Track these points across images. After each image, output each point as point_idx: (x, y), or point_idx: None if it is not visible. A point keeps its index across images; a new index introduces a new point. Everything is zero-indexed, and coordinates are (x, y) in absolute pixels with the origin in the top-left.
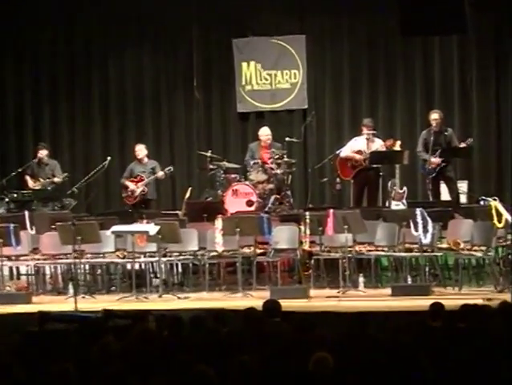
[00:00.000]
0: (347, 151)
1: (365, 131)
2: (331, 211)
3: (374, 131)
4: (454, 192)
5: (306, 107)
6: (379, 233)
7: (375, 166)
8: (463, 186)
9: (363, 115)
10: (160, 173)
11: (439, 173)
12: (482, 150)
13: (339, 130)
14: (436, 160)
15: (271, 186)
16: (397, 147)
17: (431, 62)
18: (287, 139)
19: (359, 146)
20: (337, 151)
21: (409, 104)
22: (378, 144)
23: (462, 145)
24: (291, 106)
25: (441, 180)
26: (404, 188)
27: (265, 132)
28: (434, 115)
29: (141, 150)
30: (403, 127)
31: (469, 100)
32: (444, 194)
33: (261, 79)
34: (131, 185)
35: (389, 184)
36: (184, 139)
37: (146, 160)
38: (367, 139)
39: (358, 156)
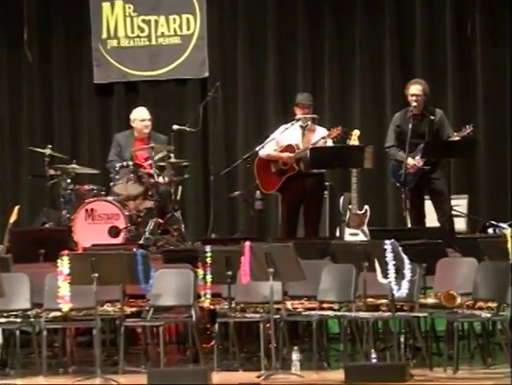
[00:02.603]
0: (270, 147)
1: (300, 114)
2: (247, 245)
3: (314, 116)
4: (446, 213)
5: (206, 75)
6: (326, 280)
7: (316, 171)
8: (461, 204)
9: (298, 89)
10: None
11: (421, 183)
12: (490, 145)
13: (260, 113)
14: (416, 160)
15: (150, 204)
16: (354, 141)
17: (408, 3)
18: (176, 127)
19: (289, 138)
20: (256, 148)
21: (374, 74)
22: (320, 135)
23: (458, 137)
24: (183, 73)
25: (425, 193)
26: (366, 208)
27: (140, 116)
28: (414, 89)
29: None
30: (364, 110)
31: (468, 66)
32: (431, 217)
33: (133, 30)
34: None
35: (341, 200)
36: (8, 127)
37: None
38: (303, 127)
39: (287, 155)
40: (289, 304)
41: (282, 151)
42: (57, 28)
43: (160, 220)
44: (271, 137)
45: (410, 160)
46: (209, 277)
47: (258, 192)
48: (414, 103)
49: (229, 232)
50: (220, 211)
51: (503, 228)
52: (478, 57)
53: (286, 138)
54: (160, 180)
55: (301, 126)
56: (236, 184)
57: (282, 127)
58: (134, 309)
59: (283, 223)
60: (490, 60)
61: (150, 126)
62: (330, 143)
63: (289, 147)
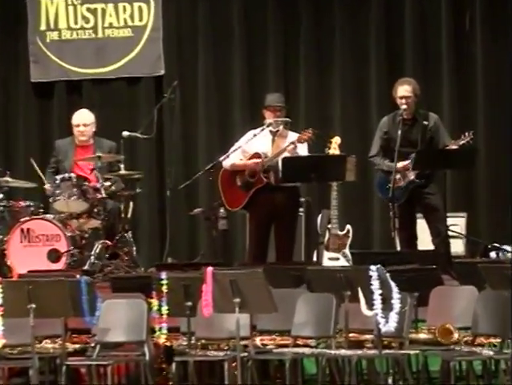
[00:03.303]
0: (235, 157)
1: (270, 118)
2: (210, 271)
3: (286, 119)
4: (441, 233)
5: (162, 73)
6: (301, 312)
7: (289, 185)
8: (458, 223)
9: (269, 89)
10: None
11: (413, 198)
12: (492, 155)
13: (224, 117)
14: (405, 164)
15: (96, 223)
16: (334, 150)
17: None
18: (126, 133)
19: (258, 146)
20: (220, 158)
21: (356, 73)
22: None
23: (455, 146)
24: (134, 71)
25: (417, 210)
26: (348, 228)
27: (74, 121)
28: (402, 90)
29: None
30: (345, 114)
31: (467, 64)
32: (424, 238)
33: (76, 21)
34: None
35: (319, 219)
36: None
37: None
38: (274, 132)
39: (253, 162)
40: (258, 340)
41: (248, 160)
42: None
43: (108, 243)
44: (237, 145)
45: (399, 164)
46: (164, 309)
47: (222, 209)
48: (404, 106)
49: (188, 256)
50: (178, 231)
51: (508, 251)
52: (478, 54)
53: (255, 146)
54: (106, 185)
55: (271, 131)
56: (196, 199)
57: (250, 133)
58: (77, 345)
59: (251, 245)
60: (492, 57)
61: (88, 132)
62: (303, 149)
63: (256, 157)
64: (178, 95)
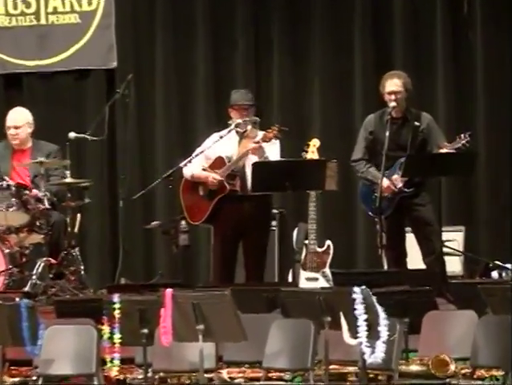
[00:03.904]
0: (197, 163)
1: (236, 117)
2: (169, 293)
3: (254, 118)
4: (435, 250)
5: (114, 65)
6: (275, 340)
7: (259, 194)
8: (455, 238)
9: (237, 86)
10: None
11: (402, 210)
12: (493, 159)
13: (186, 116)
14: (393, 180)
15: (38, 238)
16: (312, 154)
17: None
18: (73, 135)
19: (221, 150)
20: (181, 164)
21: (338, 66)
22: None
23: (451, 149)
24: (82, 63)
25: (407, 224)
26: (328, 244)
27: (15, 121)
28: (391, 84)
29: None
30: (325, 113)
31: (465, 55)
32: (414, 255)
33: (15, 6)
34: None
35: (295, 233)
36: None
37: None
38: (241, 133)
39: (213, 178)
40: (225, 373)
41: (211, 166)
42: None
43: (52, 260)
44: (200, 149)
45: (384, 182)
46: (117, 337)
47: (183, 222)
48: (393, 103)
49: (144, 275)
50: (132, 247)
51: None
52: (478, 42)
53: (219, 150)
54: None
55: (238, 133)
56: (154, 211)
57: (215, 135)
58: (17, 379)
59: (217, 264)
60: (494, 46)
61: (21, 135)
62: (274, 152)
63: (218, 162)
64: (133, 90)
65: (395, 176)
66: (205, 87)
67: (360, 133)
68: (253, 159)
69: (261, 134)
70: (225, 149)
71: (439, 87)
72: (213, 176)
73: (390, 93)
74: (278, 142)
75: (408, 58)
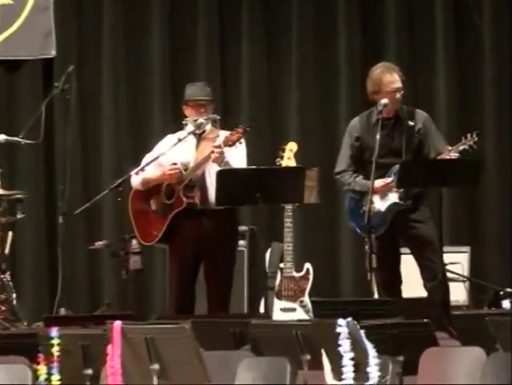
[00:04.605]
0: (149, 171)
1: (191, 115)
2: (118, 326)
3: (212, 116)
4: (435, 275)
5: (53, 54)
6: (244, 381)
7: (224, 208)
8: (460, 260)
9: (199, 78)
10: None
11: (396, 228)
12: (504, 165)
13: (138, 116)
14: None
15: None
16: (288, 160)
17: None
18: (3, 137)
19: (176, 155)
20: (131, 172)
21: (320, 56)
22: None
23: (454, 153)
24: (14, 52)
25: (402, 244)
26: (307, 268)
27: None
28: (396, 80)
29: None
30: (304, 112)
31: (470, 37)
32: (411, 280)
33: None
34: None
35: (267, 255)
36: None
37: None
38: (199, 135)
39: (170, 173)
40: None
41: (163, 172)
42: None
43: None
44: (150, 156)
45: (377, 182)
46: (55, 378)
47: (134, 242)
48: (393, 105)
49: (88, 305)
50: (74, 272)
51: None
52: (485, 28)
53: (175, 154)
54: None
55: (195, 134)
56: (100, 229)
57: (170, 138)
58: None
59: (174, 291)
60: (504, 33)
61: None
62: (239, 157)
63: (173, 168)
64: (75, 85)
65: (390, 179)
66: (161, 81)
67: (344, 140)
68: (214, 166)
69: (223, 135)
70: (180, 154)
71: (439, 78)
72: (170, 167)
73: (395, 91)
74: (243, 145)
75: (402, 48)
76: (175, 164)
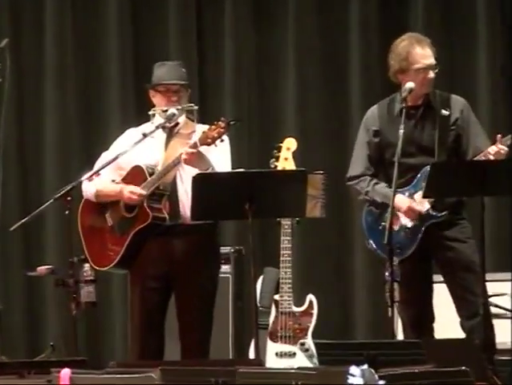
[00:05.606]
0: (105, 176)
1: (161, 104)
2: (66, 375)
3: (189, 105)
4: (476, 311)
5: None
6: None
7: (201, 223)
8: (505, 291)
9: (170, 55)
10: None
11: (427, 248)
12: None
13: (95, 101)
14: (413, 202)
15: None
16: (285, 161)
17: None
18: None
19: (140, 155)
20: (82, 178)
21: (325, 33)
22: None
23: (503, 148)
24: None
25: (434, 270)
26: (310, 300)
27: None
28: (429, 55)
29: None
30: (305, 102)
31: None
32: (445, 317)
33: None
34: None
35: (259, 284)
36: None
37: None
38: (170, 129)
39: (130, 193)
40: None
41: (125, 180)
42: None
43: None
44: (109, 154)
45: (402, 200)
46: None
47: (86, 266)
48: (426, 88)
49: (28, 349)
50: (10, 304)
51: None
52: None
53: (136, 155)
54: None
55: (164, 128)
56: (42, 250)
57: (132, 132)
58: None
59: (137, 329)
60: None
61: None
62: (222, 158)
63: (135, 174)
64: (10, 64)
65: (417, 195)
66: (121, 57)
67: (359, 136)
68: (189, 169)
69: (200, 130)
70: (145, 155)
71: (480, 54)
72: (131, 189)
73: (428, 68)
74: (226, 143)
75: (431, 17)
76: (138, 168)
